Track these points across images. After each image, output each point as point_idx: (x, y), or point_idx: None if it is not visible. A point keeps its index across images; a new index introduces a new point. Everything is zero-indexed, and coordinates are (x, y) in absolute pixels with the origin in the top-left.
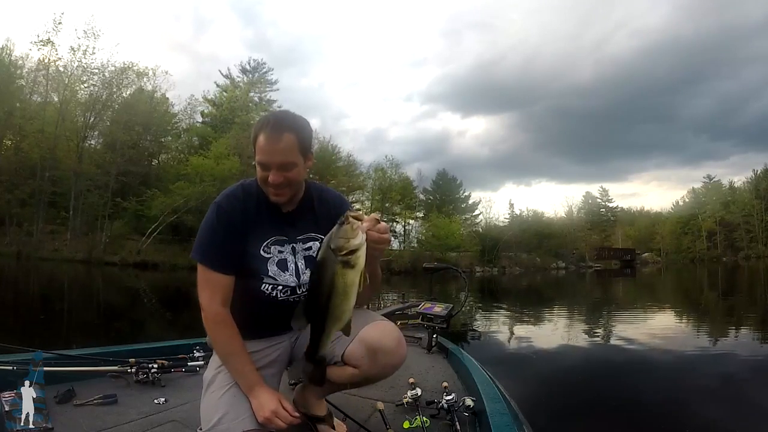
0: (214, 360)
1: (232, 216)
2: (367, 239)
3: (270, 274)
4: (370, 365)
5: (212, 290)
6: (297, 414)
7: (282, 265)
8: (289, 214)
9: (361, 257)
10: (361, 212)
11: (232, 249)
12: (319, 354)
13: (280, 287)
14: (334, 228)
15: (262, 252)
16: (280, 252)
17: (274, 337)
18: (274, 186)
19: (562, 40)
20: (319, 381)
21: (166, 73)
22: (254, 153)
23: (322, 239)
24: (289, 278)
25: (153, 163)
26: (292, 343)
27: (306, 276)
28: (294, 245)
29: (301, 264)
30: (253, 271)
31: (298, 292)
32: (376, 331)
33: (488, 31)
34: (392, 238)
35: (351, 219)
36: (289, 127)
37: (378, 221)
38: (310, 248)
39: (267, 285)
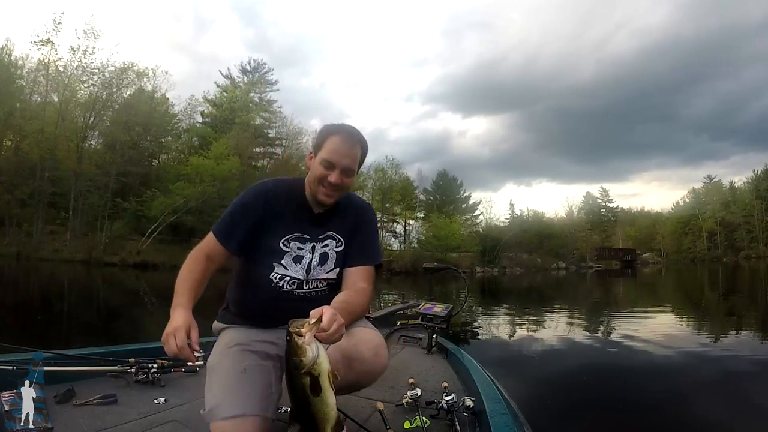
0: (216, 345)
1: (255, 204)
2: (321, 340)
3: (283, 263)
4: (345, 373)
5: (206, 246)
6: (191, 350)
7: (297, 259)
8: (318, 216)
9: (321, 364)
10: (301, 323)
11: (243, 232)
12: None
13: (288, 278)
14: (286, 345)
15: (281, 245)
16: (299, 249)
17: (275, 330)
18: (332, 187)
19: (563, 40)
20: None
21: (166, 73)
22: (317, 151)
23: (339, 239)
24: (298, 270)
25: (153, 164)
26: None
27: (315, 272)
28: (315, 244)
29: (315, 261)
30: (268, 261)
31: (305, 287)
32: (353, 338)
33: (489, 30)
34: (394, 239)
35: (294, 338)
36: (360, 141)
37: (318, 321)
38: (326, 245)
39: (276, 274)
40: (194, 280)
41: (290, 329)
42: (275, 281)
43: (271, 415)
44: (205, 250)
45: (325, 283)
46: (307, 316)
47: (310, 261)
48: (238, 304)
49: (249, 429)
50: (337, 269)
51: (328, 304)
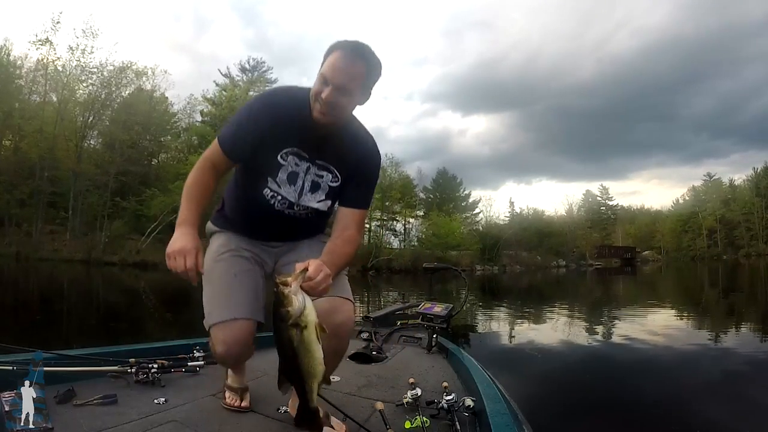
0: (209, 250)
1: (262, 115)
2: (307, 290)
3: (277, 180)
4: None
5: (211, 155)
6: (196, 272)
7: (292, 177)
8: (321, 138)
9: (308, 315)
10: (288, 274)
11: (248, 143)
12: (311, 407)
13: (280, 197)
14: (274, 297)
15: (279, 158)
16: (296, 164)
17: (263, 243)
18: (323, 103)
19: (563, 39)
20: (318, 428)
21: (165, 72)
22: (321, 66)
23: (336, 174)
24: (291, 192)
25: (152, 163)
26: (277, 256)
27: (306, 199)
28: (310, 165)
29: (307, 185)
30: (263, 173)
31: (295, 209)
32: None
33: (489, 30)
34: (394, 237)
35: (280, 288)
36: (365, 58)
37: (305, 270)
38: (322, 176)
39: (269, 190)
40: (200, 192)
41: (276, 280)
42: (267, 197)
43: (261, 319)
44: (210, 159)
45: (315, 212)
46: (296, 236)
47: (303, 185)
48: (232, 210)
49: (238, 331)
50: (329, 202)
51: (317, 227)
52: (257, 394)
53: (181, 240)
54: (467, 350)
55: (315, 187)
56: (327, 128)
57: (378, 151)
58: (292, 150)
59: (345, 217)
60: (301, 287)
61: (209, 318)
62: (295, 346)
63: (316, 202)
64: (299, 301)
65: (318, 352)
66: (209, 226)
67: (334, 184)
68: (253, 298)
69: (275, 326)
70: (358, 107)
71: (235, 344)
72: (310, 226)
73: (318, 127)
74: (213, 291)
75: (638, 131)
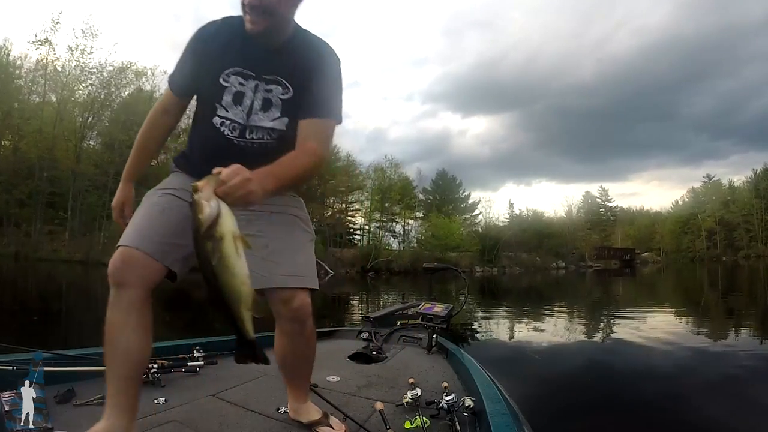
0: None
1: (199, 39)
2: (223, 197)
3: (223, 104)
4: None
5: (163, 99)
6: (124, 224)
7: (238, 97)
8: (265, 52)
9: (223, 225)
10: (201, 182)
11: (188, 73)
12: (247, 339)
13: (228, 122)
14: None
15: (221, 80)
16: (241, 84)
17: None
18: (249, 9)
19: (564, 39)
20: (263, 359)
21: (165, 72)
22: None
23: (286, 85)
24: (238, 113)
25: (152, 163)
26: None
27: (257, 118)
28: (258, 83)
29: (257, 103)
30: (210, 101)
31: (247, 136)
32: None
33: (489, 30)
34: (393, 239)
35: (192, 195)
36: None
37: (220, 173)
38: (271, 91)
39: (218, 118)
40: (145, 142)
41: (191, 185)
42: (217, 125)
43: (173, 267)
44: (162, 103)
45: (272, 135)
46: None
47: (252, 104)
48: (191, 149)
49: (133, 261)
50: (286, 119)
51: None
52: (257, 393)
53: (116, 196)
54: (467, 350)
55: (267, 105)
56: (267, 39)
57: (333, 52)
58: (234, 70)
59: (304, 129)
60: (216, 194)
61: (120, 240)
62: (214, 264)
63: (269, 121)
64: (211, 208)
65: (239, 269)
66: (171, 166)
67: (286, 97)
68: (172, 238)
69: (194, 242)
70: (298, 15)
71: (125, 271)
72: (269, 158)
73: (258, 42)
74: (133, 220)
75: (638, 131)
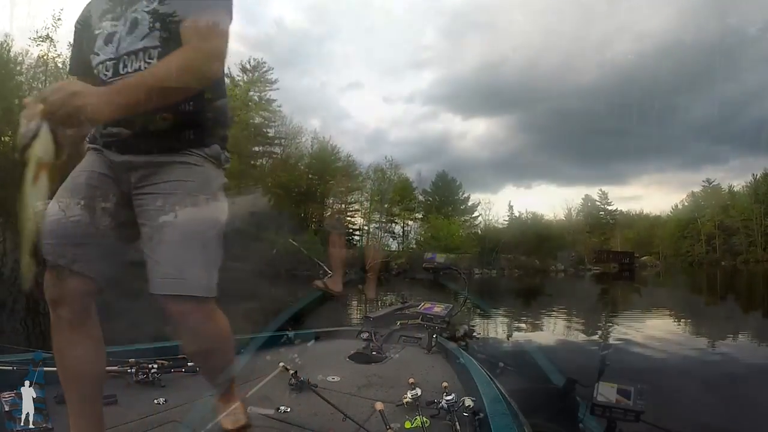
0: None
1: (80, 15)
2: (47, 117)
3: (96, 49)
4: None
5: None
6: None
7: (109, 38)
8: None
9: (34, 147)
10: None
11: (76, 51)
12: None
13: (101, 65)
14: None
15: (95, 33)
16: (113, 26)
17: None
18: None
19: (565, 42)
20: None
21: None
22: None
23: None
24: (108, 50)
25: None
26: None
27: (125, 45)
28: (125, 12)
29: (123, 31)
30: (91, 55)
31: (121, 71)
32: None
33: (490, 31)
34: (392, 240)
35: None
36: None
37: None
38: (136, 9)
39: (96, 68)
40: None
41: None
42: (97, 74)
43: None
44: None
45: (149, 57)
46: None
47: (120, 34)
48: None
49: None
50: (157, 32)
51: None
52: (257, 393)
53: None
54: (467, 350)
55: (133, 26)
56: None
57: None
58: (103, 11)
59: (185, 34)
60: (42, 115)
61: None
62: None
63: (139, 41)
64: (29, 127)
65: (30, 200)
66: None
67: (150, 7)
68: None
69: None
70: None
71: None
72: None
73: None
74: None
75: (638, 135)
